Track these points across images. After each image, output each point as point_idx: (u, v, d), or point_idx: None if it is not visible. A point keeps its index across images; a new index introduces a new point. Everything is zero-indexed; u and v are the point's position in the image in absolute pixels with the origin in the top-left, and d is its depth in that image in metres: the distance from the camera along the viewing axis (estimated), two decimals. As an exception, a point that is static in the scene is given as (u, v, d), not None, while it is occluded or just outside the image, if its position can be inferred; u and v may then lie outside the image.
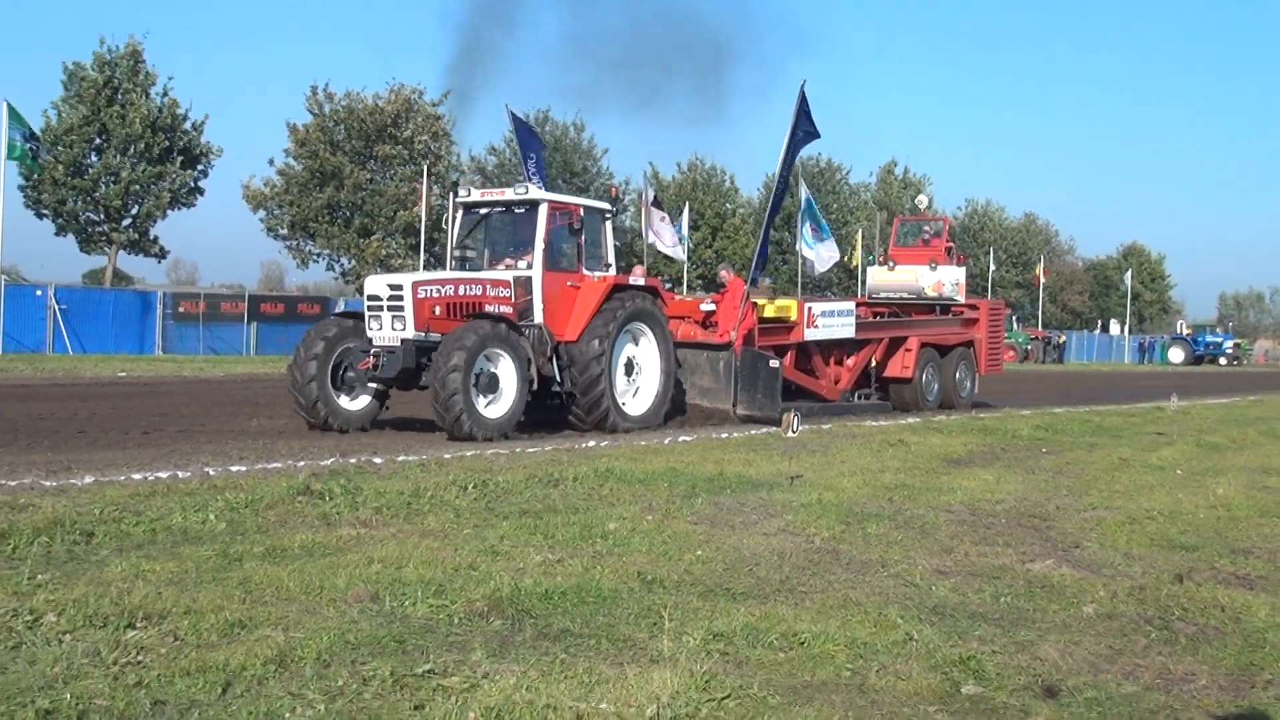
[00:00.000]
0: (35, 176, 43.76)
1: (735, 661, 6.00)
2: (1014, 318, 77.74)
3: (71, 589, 6.76)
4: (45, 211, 46.80)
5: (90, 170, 46.88)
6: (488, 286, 17.08)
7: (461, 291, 16.73)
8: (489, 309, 16.74)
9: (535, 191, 17.66)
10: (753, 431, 18.41)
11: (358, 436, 16.61)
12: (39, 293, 39.72)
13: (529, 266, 17.37)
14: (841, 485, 12.20)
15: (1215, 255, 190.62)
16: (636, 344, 18.37)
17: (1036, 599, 7.73)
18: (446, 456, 13.75)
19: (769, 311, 21.27)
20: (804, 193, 28.60)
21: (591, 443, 16.15)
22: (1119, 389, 38.79)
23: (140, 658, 5.68)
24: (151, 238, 49.87)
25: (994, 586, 8.00)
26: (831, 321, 22.20)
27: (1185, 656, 6.49)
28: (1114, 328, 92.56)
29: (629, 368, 18.30)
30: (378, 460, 13.27)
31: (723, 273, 22.77)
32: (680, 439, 16.55)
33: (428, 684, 5.43)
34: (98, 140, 46.83)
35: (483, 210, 18.55)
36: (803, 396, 22.08)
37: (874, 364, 23.77)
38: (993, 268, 78.37)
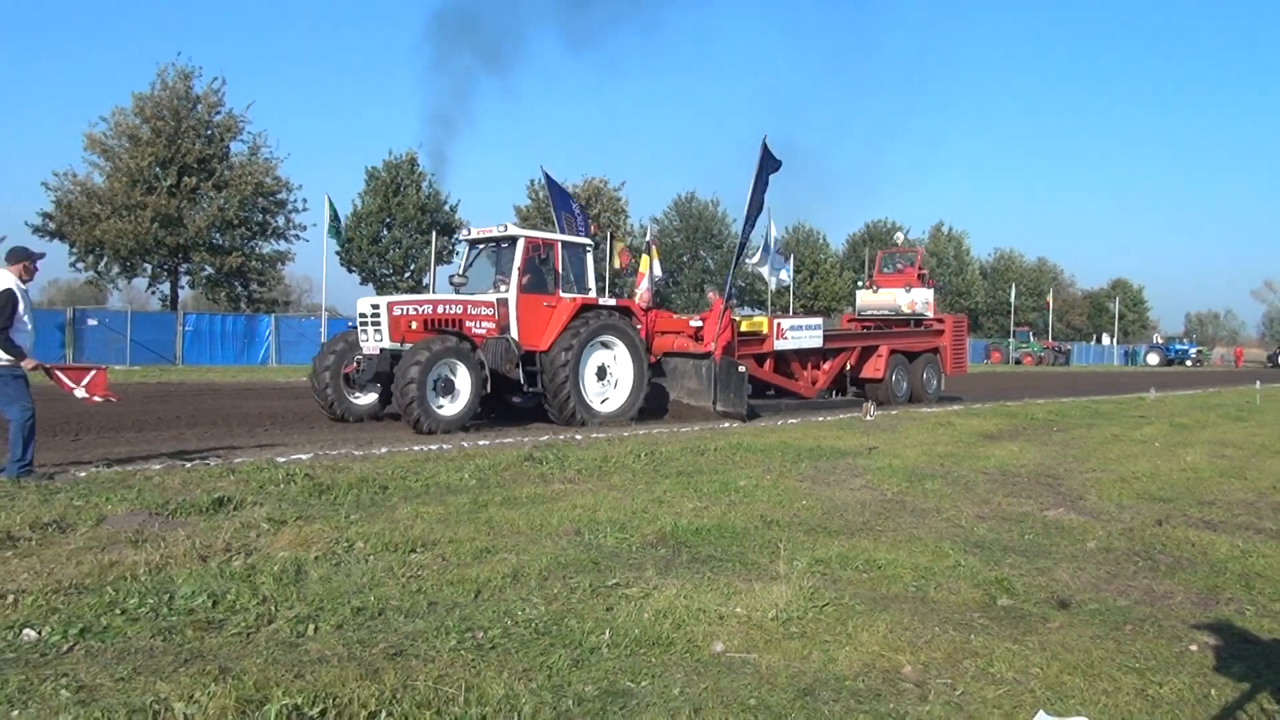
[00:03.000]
0: (344, 245, 45.10)
1: (831, 579, 5.92)
2: (1030, 333, 75.70)
3: (373, 525, 6.95)
4: (354, 268, 48.28)
5: (382, 239, 48.21)
6: (469, 306, 15.51)
7: (441, 310, 15.17)
8: (469, 325, 15.31)
9: (513, 229, 16.13)
10: (840, 415, 18.14)
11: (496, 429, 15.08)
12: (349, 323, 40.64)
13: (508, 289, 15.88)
14: (906, 454, 11.98)
15: (1183, 282, 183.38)
16: (613, 354, 16.47)
17: (1052, 536, 7.50)
18: (625, 434, 13.83)
19: (745, 326, 19.57)
20: (773, 231, 26.40)
21: (725, 425, 16.09)
22: (1110, 385, 37.42)
23: (419, 573, 5.81)
24: (424, 285, 51.11)
25: (1019, 527, 7.79)
26: (800, 334, 20.48)
27: (1165, 580, 6.25)
28: (1105, 339, 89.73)
29: (601, 373, 16.41)
30: (578, 437, 13.40)
31: (709, 294, 21.06)
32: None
33: (615, 592, 5.47)
34: (387, 219, 48.15)
35: (479, 245, 17.00)
36: (785, 395, 20.44)
37: (849, 367, 22.08)
38: (1014, 298, 76.30)
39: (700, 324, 18.62)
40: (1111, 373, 60.62)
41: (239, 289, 42.11)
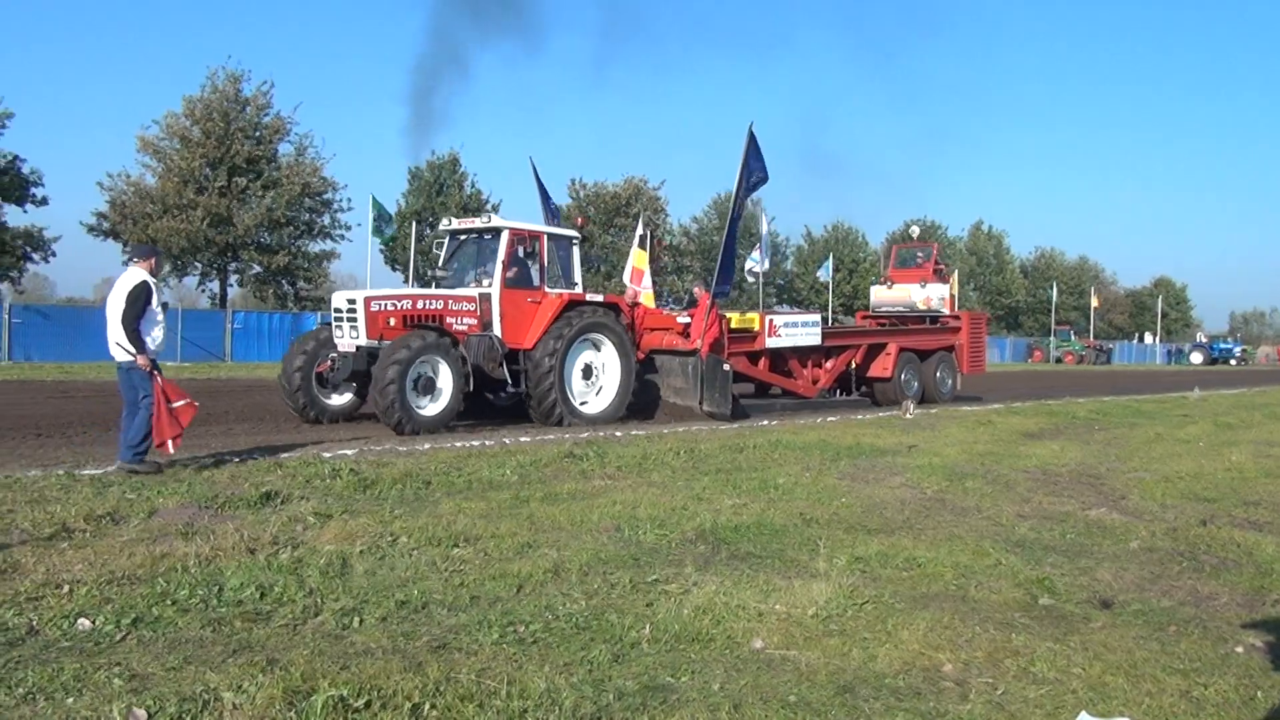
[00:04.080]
0: (388, 244, 45.45)
1: (871, 577, 5.88)
2: (1072, 332, 74.76)
3: (417, 519, 7.00)
4: (398, 266, 48.64)
5: (425, 238, 48.50)
6: (450, 301, 14.57)
7: (420, 305, 14.23)
8: (450, 321, 14.35)
9: (498, 220, 15.34)
10: (880, 414, 18.01)
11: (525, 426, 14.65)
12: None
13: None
14: (946, 452, 11.87)
15: (1228, 281, 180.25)
16: (599, 352, 15.62)
17: (1094, 536, 7.40)
18: (664, 431, 13.82)
19: (735, 323, 18.54)
20: (764, 227, 23.86)
21: (765, 422, 16.03)
22: (1153, 383, 36.84)
23: (462, 567, 5.85)
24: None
25: (1061, 526, 7.69)
26: (795, 331, 19.22)
27: (1210, 581, 6.14)
28: (1148, 338, 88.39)
29: (587, 371, 15.54)
30: (618, 435, 13.40)
31: (695, 290, 19.88)
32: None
33: (655, 588, 5.47)
34: (429, 219, 48.46)
35: (461, 237, 15.98)
36: (788, 395, 19.54)
37: (854, 366, 20.78)
38: (1055, 296, 75.41)
39: (689, 321, 17.75)
40: (1154, 372, 59.70)
41: (286, 287, 42.64)
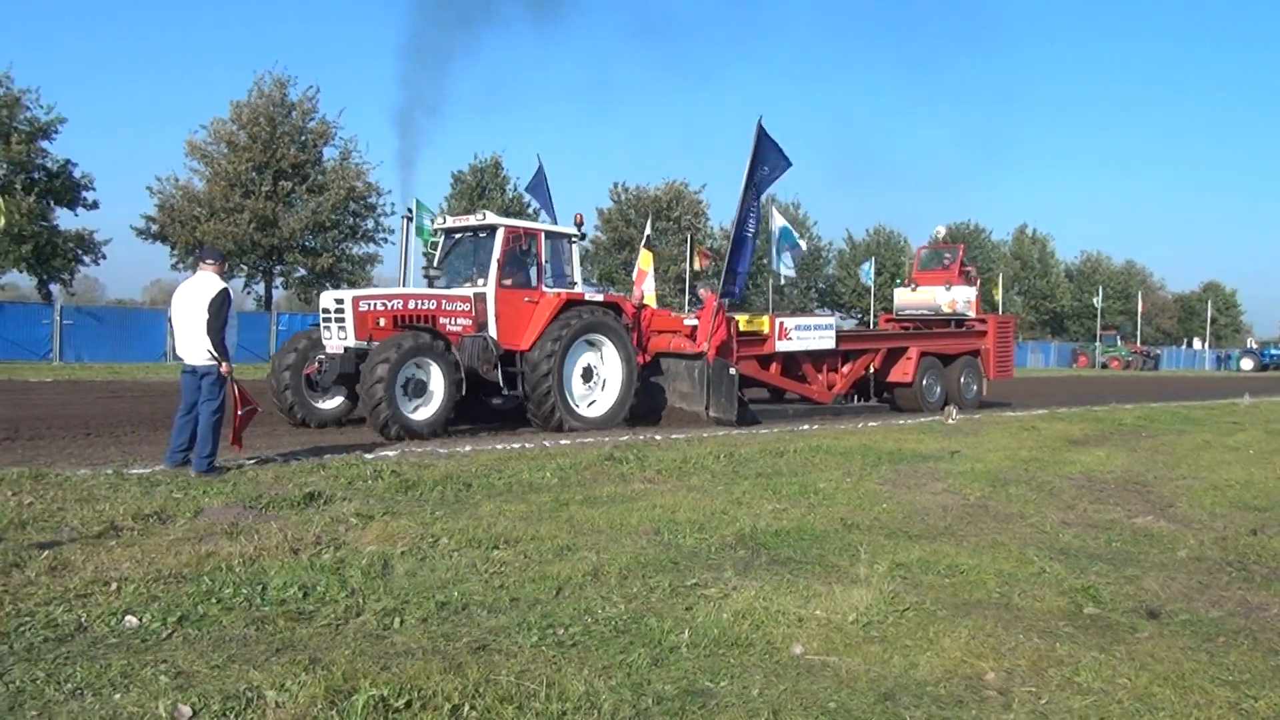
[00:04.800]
0: (432, 246, 45.73)
1: (912, 584, 5.83)
2: (1118, 337, 73.71)
3: (457, 521, 7.04)
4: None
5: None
6: (443, 301, 14.00)
7: (412, 305, 13.64)
8: (443, 322, 13.79)
9: (493, 218, 14.79)
10: (922, 419, 17.84)
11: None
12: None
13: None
14: (989, 458, 11.74)
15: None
16: (600, 354, 15.03)
17: (1140, 544, 7.28)
18: (704, 435, 13.79)
19: (744, 325, 17.72)
20: (777, 223, 22.11)
21: (805, 426, 15.95)
22: (1202, 390, 36.19)
23: (502, 569, 5.87)
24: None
25: (1107, 534, 7.57)
26: (807, 334, 18.46)
27: (1260, 591, 6.01)
28: (1196, 344, 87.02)
29: (587, 374, 14.95)
30: (657, 438, 13.39)
31: (701, 291, 19.20)
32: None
33: (694, 592, 5.46)
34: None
35: (456, 235, 15.42)
36: (794, 400, 18.98)
37: (873, 370, 20.01)
38: (1101, 301, 74.41)
39: (695, 323, 17.12)
40: (1203, 378, 58.73)
41: (330, 289, 43.05)
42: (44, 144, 34.22)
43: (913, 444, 13.04)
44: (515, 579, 5.64)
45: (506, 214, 47.65)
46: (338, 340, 13.46)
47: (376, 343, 12.87)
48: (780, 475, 9.97)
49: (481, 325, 14.18)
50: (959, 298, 22.61)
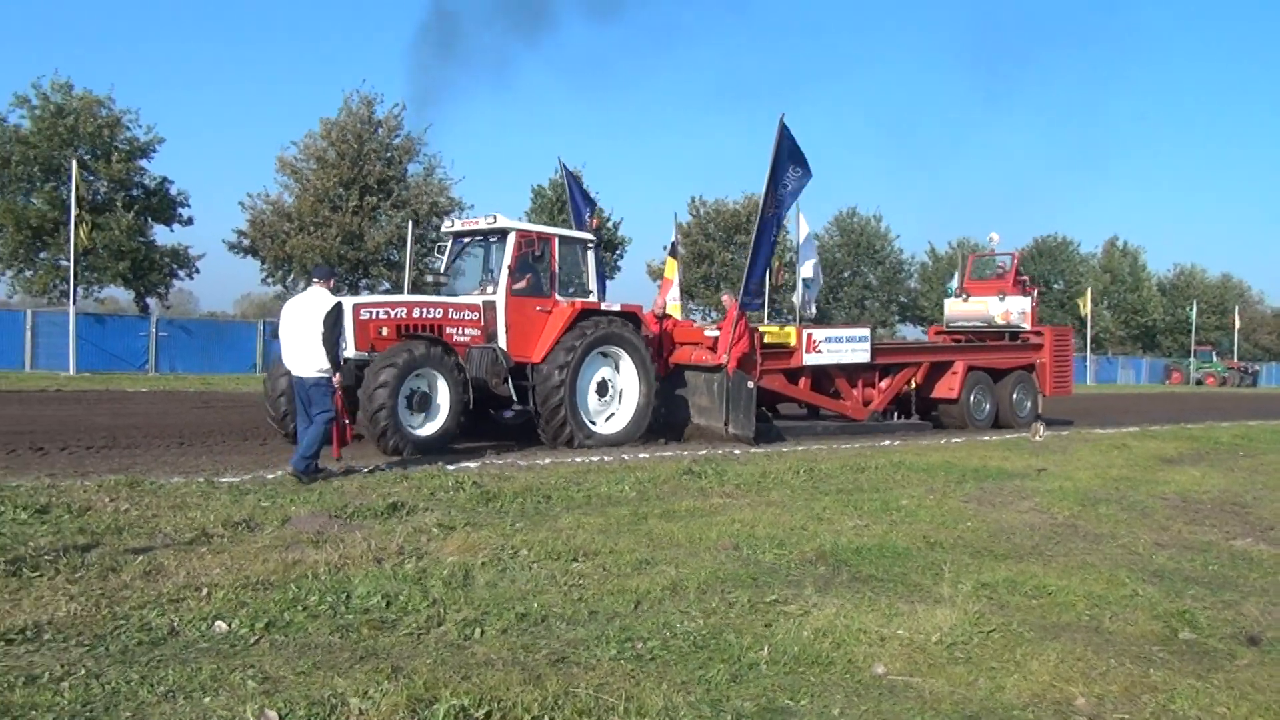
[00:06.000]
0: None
1: (998, 605, 5.70)
2: (1214, 352, 71.33)
3: (537, 533, 7.09)
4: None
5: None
6: (450, 310, 13.14)
7: (417, 314, 12.76)
8: (450, 331, 12.95)
9: (504, 221, 13.80)
10: (1007, 435, 17.44)
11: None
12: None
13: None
14: (1078, 476, 11.45)
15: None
16: (616, 367, 14.27)
17: (1239, 568, 7.03)
18: (784, 450, 13.69)
19: (769, 337, 16.98)
20: (805, 230, 19.91)
21: (886, 442, 15.72)
22: (1304, 407, 34.88)
23: (581, 581, 5.89)
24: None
25: (1203, 557, 7.32)
26: (838, 347, 17.38)
27: (1368, 619, 5.74)
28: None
29: (602, 388, 14.13)
30: (735, 452, 13.32)
31: (724, 298, 17.71)
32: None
33: (774, 609, 5.41)
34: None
35: (464, 239, 14.59)
36: (830, 416, 17.89)
37: (914, 386, 18.76)
38: (1195, 315, 72.15)
39: (717, 334, 16.15)
40: (1305, 395, 56.55)
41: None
42: (143, 163, 35.47)
43: (998, 461, 12.78)
44: (594, 592, 5.65)
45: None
46: None
47: (379, 353, 12.12)
48: (861, 491, 9.86)
49: (491, 335, 13.42)
50: (1013, 308, 21.24)
